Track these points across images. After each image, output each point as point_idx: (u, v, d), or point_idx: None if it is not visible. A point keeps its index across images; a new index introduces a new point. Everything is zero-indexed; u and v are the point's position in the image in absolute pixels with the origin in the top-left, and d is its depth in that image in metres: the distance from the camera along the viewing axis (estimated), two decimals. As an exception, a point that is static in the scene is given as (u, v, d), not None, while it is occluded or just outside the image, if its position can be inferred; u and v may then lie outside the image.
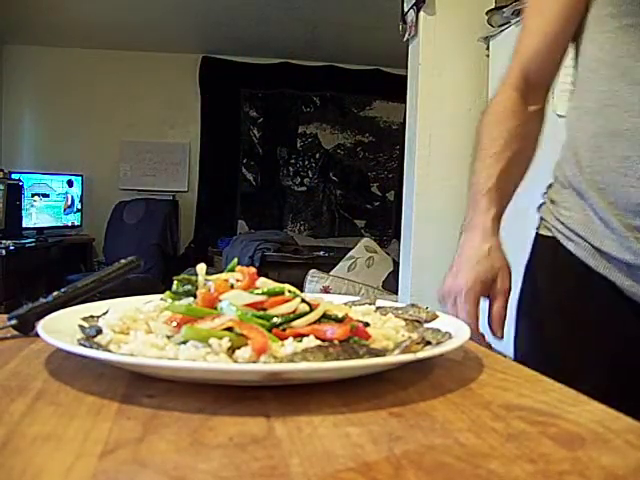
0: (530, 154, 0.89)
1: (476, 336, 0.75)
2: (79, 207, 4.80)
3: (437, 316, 0.62)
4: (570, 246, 0.79)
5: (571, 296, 0.81)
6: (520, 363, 0.56)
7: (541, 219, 0.87)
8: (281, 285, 0.53)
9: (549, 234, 0.83)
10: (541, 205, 0.88)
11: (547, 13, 0.83)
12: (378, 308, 0.65)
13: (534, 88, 0.87)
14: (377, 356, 0.45)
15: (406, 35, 2.52)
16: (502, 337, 0.80)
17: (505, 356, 0.58)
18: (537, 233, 0.87)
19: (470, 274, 0.80)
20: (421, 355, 0.46)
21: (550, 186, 0.87)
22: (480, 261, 0.81)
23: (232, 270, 0.58)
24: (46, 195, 4.53)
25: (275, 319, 0.48)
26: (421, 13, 2.40)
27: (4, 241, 3.60)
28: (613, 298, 0.76)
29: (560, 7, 0.81)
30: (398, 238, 3.11)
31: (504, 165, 0.83)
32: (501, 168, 0.83)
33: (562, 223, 0.81)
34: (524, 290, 0.87)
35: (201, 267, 0.57)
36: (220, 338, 0.44)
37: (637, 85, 0.71)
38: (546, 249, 0.84)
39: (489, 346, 0.73)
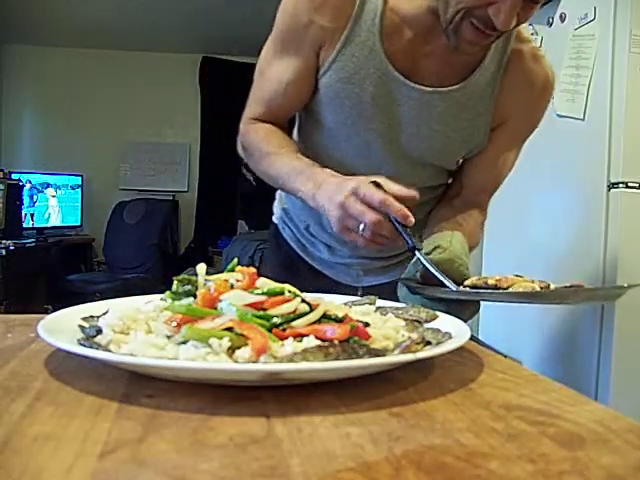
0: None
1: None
2: (79, 207, 4.80)
3: (437, 316, 0.62)
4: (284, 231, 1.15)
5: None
6: None
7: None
8: (281, 285, 0.53)
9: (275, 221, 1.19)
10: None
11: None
12: (378, 308, 0.65)
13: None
14: (377, 356, 0.45)
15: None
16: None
17: (505, 356, 0.58)
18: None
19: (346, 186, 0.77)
20: (421, 355, 0.46)
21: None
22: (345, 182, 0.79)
23: (232, 270, 0.58)
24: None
25: (275, 319, 0.48)
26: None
27: (4, 241, 3.60)
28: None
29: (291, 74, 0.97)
30: (398, 238, 3.10)
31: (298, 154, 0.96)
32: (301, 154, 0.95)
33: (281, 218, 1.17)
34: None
35: (201, 267, 0.57)
36: (220, 338, 0.44)
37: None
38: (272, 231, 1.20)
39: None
